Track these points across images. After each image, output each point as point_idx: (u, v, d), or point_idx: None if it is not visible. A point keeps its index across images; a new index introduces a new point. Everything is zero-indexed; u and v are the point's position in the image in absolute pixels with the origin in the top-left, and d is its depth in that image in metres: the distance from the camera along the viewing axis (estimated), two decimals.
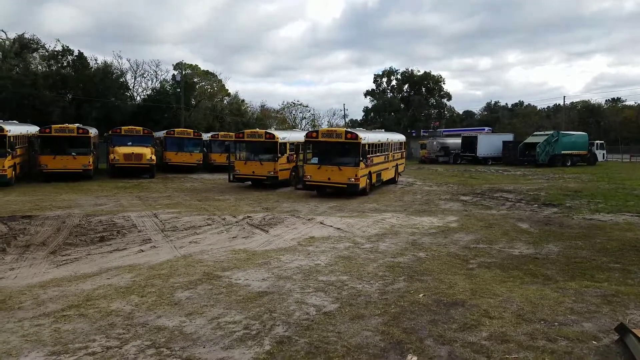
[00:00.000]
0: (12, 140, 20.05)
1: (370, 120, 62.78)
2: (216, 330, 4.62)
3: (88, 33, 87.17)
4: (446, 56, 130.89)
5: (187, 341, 4.35)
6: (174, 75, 48.80)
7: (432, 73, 61.69)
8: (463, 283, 6.48)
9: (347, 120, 64.72)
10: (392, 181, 22.98)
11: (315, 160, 18.15)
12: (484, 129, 55.69)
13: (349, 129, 18.74)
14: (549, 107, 76.40)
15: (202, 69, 56.24)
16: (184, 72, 47.56)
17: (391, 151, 22.62)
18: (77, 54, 40.59)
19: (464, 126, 64.56)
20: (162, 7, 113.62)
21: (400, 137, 26.61)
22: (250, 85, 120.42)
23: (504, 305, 5.56)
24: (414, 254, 8.26)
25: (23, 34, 38.52)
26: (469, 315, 5.20)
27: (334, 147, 18.17)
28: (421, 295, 5.90)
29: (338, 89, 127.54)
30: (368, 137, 18.73)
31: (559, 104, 67.48)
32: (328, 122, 64.63)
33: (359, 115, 73.65)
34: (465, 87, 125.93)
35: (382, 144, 21.00)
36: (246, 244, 9.30)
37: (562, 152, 37.27)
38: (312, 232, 10.63)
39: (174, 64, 53.64)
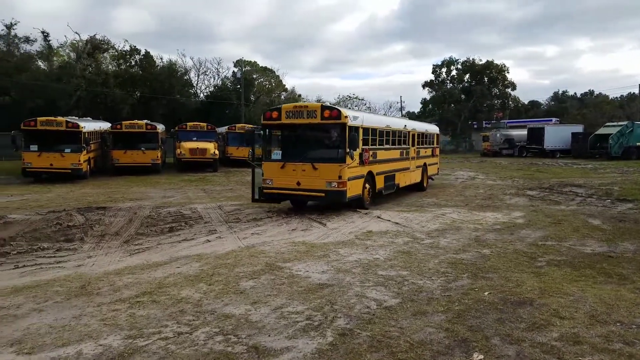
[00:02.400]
0: (86, 136, 21.45)
1: (428, 112, 61.38)
2: (280, 320, 4.74)
3: (154, 33, 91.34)
4: (509, 44, 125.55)
5: (253, 329, 4.49)
6: (234, 72, 50.23)
7: (495, 62, 59.26)
8: (531, 281, 6.22)
9: (403, 112, 63.71)
10: (418, 187, 17.47)
11: (277, 155, 12.30)
12: (551, 120, 52.97)
13: (328, 104, 12.77)
14: (622, 96, 71.23)
15: (260, 65, 57.45)
16: (243, 69, 48.75)
17: (414, 145, 16.88)
18: (143, 54, 42.71)
19: (529, 117, 61.67)
20: (223, 5, 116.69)
21: (431, 128, 20.45)
22: (306, 80, 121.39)
23: (575, 305, 5.29)
24: (478, 251, 8.03)
25: (95, 35, 40.99)
26: (537, 314, 5.00)
27: (306, 132, 12.38)
28: (486, 293, 5.73)
29: (395, 81, 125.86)
30: (364, 118, 12.76)
31: (634, 93, 62.78)
32: (384, 115, 63.92)
33: (416, 108, 72.29)
34: (531, 76, 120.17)
35: (395, 132, 14.98)
36: (305, 237, 9.43)
37: (638, 143, 34.69)
38: (370, 226, 10.59)
39: (234, 61, 55.23)
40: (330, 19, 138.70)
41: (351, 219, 11.39)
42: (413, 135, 16.94)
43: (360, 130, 12.13)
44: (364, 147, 12.31)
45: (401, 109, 63.78)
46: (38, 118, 20.66)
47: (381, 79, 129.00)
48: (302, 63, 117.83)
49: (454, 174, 25.12)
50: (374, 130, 13.31)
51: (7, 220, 10.66)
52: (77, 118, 24.64)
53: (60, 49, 41.83)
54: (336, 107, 12.09)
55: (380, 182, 13.64)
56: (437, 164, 20.49)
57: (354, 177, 11.82)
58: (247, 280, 6.21)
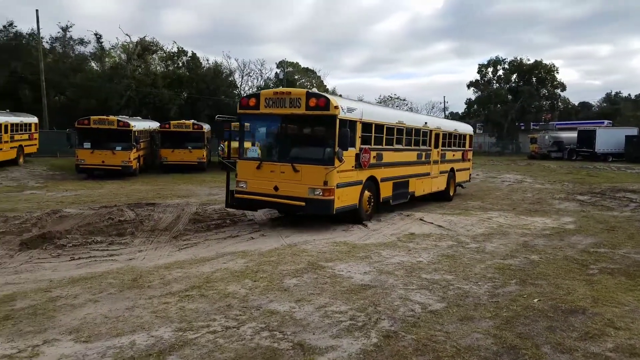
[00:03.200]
0: (136, 134, 22.28)
1: (473, 112, 59.93)
2: (324, 319, 4.77)
3: (200, 34, 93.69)
4: (558, 43, 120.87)
5: (298, 326, 4.55)
6: (276, 73, 50.85)
7: (544, 62, 57.19)
8: (583, 289, 5.99)
9: (447, 113, 62.52)
10: (443, 195, 15.20)
11: (253, 152, 10.48)
12: (603, 122, 50.61)
13: (314, 91, 10.97)
14: None
15: (302, 66, 57.88)
16: (285, 70, 49.29)
17: (438, 146, 14.52)
18: (190, 55, 43.89)
19: (579, 119, 59.17)
20: (267, 7, 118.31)
21: (461, 127, 17.63)
22: (348, 80, 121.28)
23: (631, 316, 5.05)
24: (526, 257, 7.79)
25: (144, 37, 42.44)
26: (590, 324, 4.81)
27: (288, 125, 10.36)
28: (536, 300, 5.56)
29: (438, 81, 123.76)
30: (364, 110, 10.47)
31: None
32: (409, 110, 62.92)
33: (460, 108, 70.86)
34: (581, 77, 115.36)
35: (410, 130, 12.65)
36: (346, 237, 9.43)
37: None
38: (412, 228, 10.49)
39: (277, 62, 55.78)
40: (372, 19, 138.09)
41: (392, 220, 11.30)
42: (437, 135, 14.53)
43: (359, 126, 10.12)
44: (363, 146, 10.27)
45: (444, 109, 62.72)
46: (91, 117, 21.59)
47: (424, 79, 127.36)
48: (344, 64, 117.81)
49: (500, 176, 24.43)
50: (379, 126, 11.06)
51: (63, 214, 11.22)
52: (127, 117, 25.64)
53: (112, 50, 43.63)
54: (324, 94, 9.72)
55: (386, 190, 11.50)
56: (468, 169, 17.83)
57: (347, 183, 9.77)
58: (290, 278, 6.28)
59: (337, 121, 9.34)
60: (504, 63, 59.75)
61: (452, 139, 15.99)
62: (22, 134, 24.29)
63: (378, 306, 5.22)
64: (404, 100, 62.51)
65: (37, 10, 46.18)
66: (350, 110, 9.87)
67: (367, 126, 10.54)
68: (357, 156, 10.08)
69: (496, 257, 7.69)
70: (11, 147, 22.98)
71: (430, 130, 14.13)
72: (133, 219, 10.89)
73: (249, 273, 6.50)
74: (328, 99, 9.46)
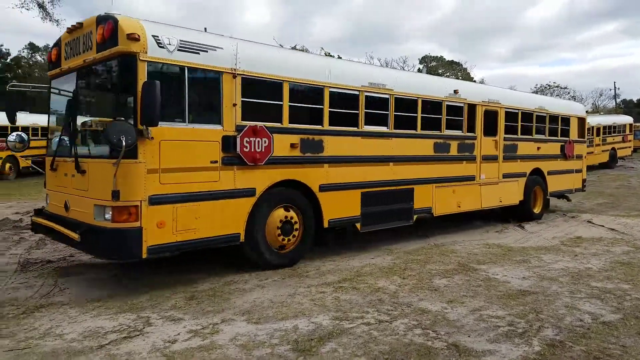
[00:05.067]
0: None
1: None
2: (479, 322, 4.62)
3: (344, 39, 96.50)
4: None
5: (451, 327, 4.48)
6: (419, 69, 49.96)
7: None
8: None
9: (618, 101, 54.83)
10: (517, 213, 10.66)
11: (54, 141, 6.52)
12: None
13: (106, 13, 5.46)
14: None
15: (446, 59, 56.01)
16: (429, 65, 48.24)
17: (497, 133, 9.81)
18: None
19: None
20: (408, 4, 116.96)
21: (559, 106, 12.00)
22: (498, 70, 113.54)
23: None
24: None
25: (295, 46, 45.20)
26: None
27: (83, 85, 6.16)
28: None
29: (604, 65, 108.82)
30: (244, 51, 6.15)
31: None
32: (592, 104, 55.91)
33: (635, 95, 61.50)
34: None
35: (411, 102, 8.20)
36: (500, 239, 8.96)
37: None
38: (578, 231, 9.52)
39: (420, 58, 54.90)
40: (523, 5, 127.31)
41: (554, 222, 10.39)
42: (491, 114, 9.64)
43: (233, 83, 5.94)
44: (250, 123, 6.10)
45: (615, 96, 55.05)
46: None
47: (586, 65, 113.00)
48: (493, 53, 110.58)
49: None
50: (315, 90, 6.90)
51: None
52: None
53: None
54: (113, 14, 5.36)
55: (341, 207, 7.22)
56: (576, 171, 12.25)
57: (197, 195, 5.66)
58: (440, 278, 6.20)
59: (139, 67, 5.18)
60: None
61: (536, 122, 10.84)
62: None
63: (540, 313, 4.88)
64: (565, 88, 56.42)
65: (205, 29, 52.08)
66: (190, 47, 5.59)
67: (273, 87, 6.42)
68: (230, 141, 5.91)
69: None
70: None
71: (470, 105, 9.22)
72: None
73: (396, 270, 6.58)
74: (115, 23, 5.23)
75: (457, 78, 53.90)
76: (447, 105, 8.77)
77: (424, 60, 51.31)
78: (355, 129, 7.43)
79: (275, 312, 4.91)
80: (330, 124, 7.06)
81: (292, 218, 6.71)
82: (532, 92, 53.89)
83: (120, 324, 4.57)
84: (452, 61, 55.76)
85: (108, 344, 4.09)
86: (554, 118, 11.43)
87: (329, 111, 7.03)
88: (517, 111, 10.33)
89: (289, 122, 6.60)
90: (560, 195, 12.00)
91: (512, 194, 10.22)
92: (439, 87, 8.82)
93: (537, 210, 11.07)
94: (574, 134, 12.17)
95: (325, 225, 7.04)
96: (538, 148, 10.89)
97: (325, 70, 7.03)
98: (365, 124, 7.53)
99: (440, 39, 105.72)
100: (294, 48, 45.05)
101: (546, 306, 5.10)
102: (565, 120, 11.85)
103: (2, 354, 3.89)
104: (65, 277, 6.26)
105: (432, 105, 8.57)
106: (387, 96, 7.82)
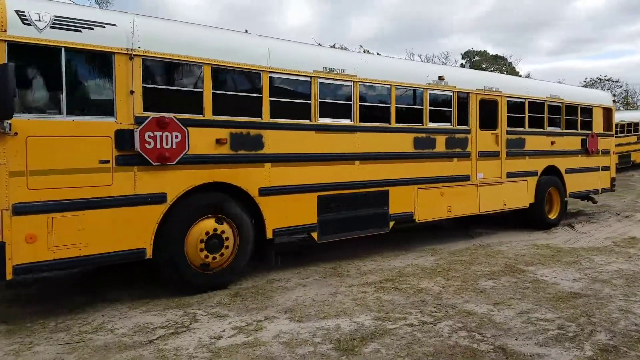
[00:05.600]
0: None
1: None
2: (527, 325, 4.48)
3: (383, 36, 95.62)
4: None
5: (498, 330, 4.37)
6: (461, 64, 48.91)
7: None
8: None
9: None
10: (529, 217, 9.45)
11: None
12: None
13: None
14: None
15: (490, 54, 54.40)
16: (472, 60, 47.10)
17: (497, 126, 8.68)
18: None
19: None
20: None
21: (578, 94, 10.58)
22: (545, 64, 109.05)
23: None
24: None
25: (334, 45, 45.23)
26: None
27: None
28: None
29: None
30: (139, 22, 5.25)
31: None
32: None
33: None
34: None
35: (382, 90, 7.24)
36: (549, 240, 8.66)
37: None
38: (632, 231, 9.08)
39: (462, 53, 53.60)
40: None
41: (606, 222, 9.94)
42: (488, 104, 8.54)
43: (135, 69, 5.11)
44: (154, 114, 5.21)
45: None
46: None
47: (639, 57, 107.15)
48: (539, 47, 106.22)
49: None
50: (250, 75, 5.99)
51: None
52: None
53: None
54: None
55: (279, 216, 6.17)
56: (605, 169, 10.88)
57: (60, 204, 4.72)
58: (485, 279, 6.05)
59: None
60: None
61: (548, 113, 9.56)
62: None
63: (592, 317, 4.67)
64: (617, 81, 53.65)
65: (246, 30, 52.91)
66: (68, 24, 4.79)
67: (188, 72, 5.53)
68: (126, 136, 5.03)
69: None
70: None
71: (461, 94, 8.13)
72: None
73: (440, 271, 6.47)
74: None
75: (502, 73, 52.40)
76: (430, 94, 7.69)
77: (467, 55, 50.03)
78: (307, 122, 6.39)
79: (317, 310, 4.94)
80: (273, 116, 6.03)
81: (223, 232, 5.63)
82: (582, 86, 51.52)
83: (168, 320, 4.72)
84: (497, 55, 54.09)
85: (157, 339, 4.24)
86: (571, 108, 10.11)
87: (271, 101, 6.01)
88: (522, 100, 9.10)
89: (214, 114, 5.57)
90: (584, 196, 10.79)
91: (519, 195, 9.01)
92: (419, 74, 7.71)
93: (553, 215, 9.73)
94: (598, 126, 10.81)
95: (269, 235, 6.03)
96: (552, 143, 9.65)
97: (262, 52, 6.01)
98: (321, 117, 6.50)
99: (484, 33, 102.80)
100: (332, 47, 45.11)
101: (598, 309, 4.88)
102: (587, 111, 10.53)
103: (58, 347, 4.11)
104: (113, 274, 6.54)
105: (410, 95, 7.59)
106: (349, 84, 6.79)
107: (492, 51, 68.78)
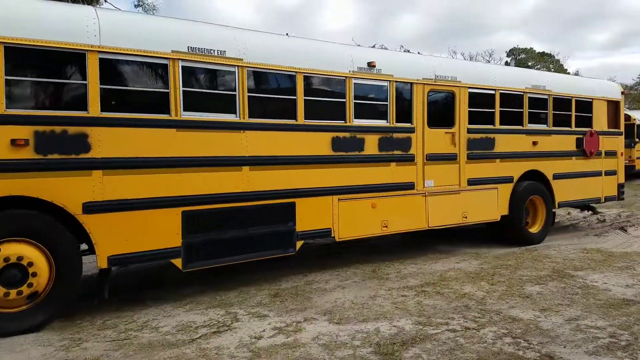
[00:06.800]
0: None
1: None
2: (576, 332, 4.29)
3: (428, 35, 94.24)
4: None
5: (545, 337, 4.20)
6: (506, 62, 47.60)
7: None
8: None
9: None
10: (509, 232, 8.07)
11: None
12: None
13: None
14: None
15: (537, 51, 52.60)
16: (517, 57, 45.73)
17: (454, 123, 7.25)
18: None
19: None
20: None
21: (568, 83, 8.96)
22: (596, 60, 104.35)
23: None
24: None
25: (373, 45, 44.96)
26: None
27: None
28: None
29: None
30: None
31: None
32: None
33: None
34: None
35: (291, 78, 5.82)
36: (599, 244, 8.28)
37: None
38: None
39: (507, 50, 52.12)
40: None
41: None
42: (438, 96, 7.29)
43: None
44: None
45: None
46: None
47: None
48: (590, 42, 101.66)
49: None
50: (66, 56, 4.53)
51: None
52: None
53: None
54: None
55: (119, 239, 4.77)
56: (609, 174, 9.28)
57: None
58: (532, 285, 5.84)
59: None
60: None
61: (529, 107, 8.04)
62: None
63: None
64: None
65: (286, 33, 53.52)
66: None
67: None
68: None
69: None
70: None
71: (400, 84, 6.75)
72: None
73: (484, 275, 6.30)
74: None
75: (549, 70, 50.54)
76: (355, 84, 6.31)
77: (512, 52, 48.60)
78: (165, 116, 5.01)
79: (356, 313, 4.91)
80: (106, 109, 4.68)
81: (29, 263, 4.34)
82: (637, 82, 48.53)
83: (210, 319, 4.82)
84: (543, 53, 52.26)
85: (199, 338, 4.34)
86: (562, 101, 8.49)
87: (101, 89, 4.65)
88: (492, 92, 7.58)
89: (8, 107, 4.25)
90: (582, 205, 9.39)
91: (486, 206, 7.58)
92: (339, 59, 6.26)
93: (535, 229, 8.26)
94: (600, 122, 9.07)
95: (101, 264, 4.70)
96: (534, 143, 8.07)
97: (85, 26, 4.59)
98: (187, 110, 5.13)
99: (530, 29, 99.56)
100: (372, 47, 44.70)
101: None
102: (585, 105, 8.82)
103: (106, 344, 4.27)
104: (159, 274, 6.74)
105: (327, 85, 6.26)
106: (232, 69, 5.39)
107: (539, 48, 66.53)
